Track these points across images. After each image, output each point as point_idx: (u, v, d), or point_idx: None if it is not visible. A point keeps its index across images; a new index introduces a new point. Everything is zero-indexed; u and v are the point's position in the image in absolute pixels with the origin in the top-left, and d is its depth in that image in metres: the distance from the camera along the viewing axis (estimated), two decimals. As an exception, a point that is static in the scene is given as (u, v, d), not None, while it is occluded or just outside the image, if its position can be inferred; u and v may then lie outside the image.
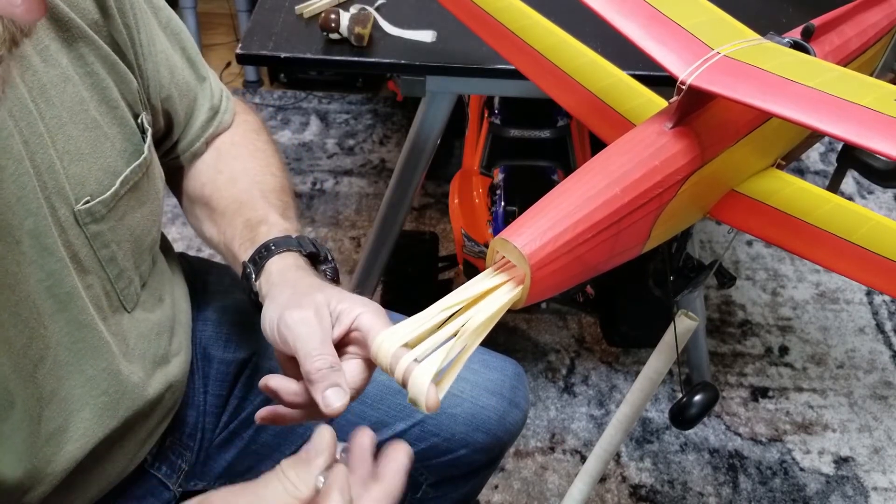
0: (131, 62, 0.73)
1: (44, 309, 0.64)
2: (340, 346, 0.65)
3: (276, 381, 0.65)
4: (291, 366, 0.66)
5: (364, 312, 0.64)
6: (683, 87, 0.57)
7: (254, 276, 0.73)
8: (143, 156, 0.73)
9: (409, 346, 0.55)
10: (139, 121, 0.73)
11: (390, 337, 0.56)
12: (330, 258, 0.77)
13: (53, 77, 0.65)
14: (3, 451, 0.62)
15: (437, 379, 0.55)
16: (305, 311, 0.64)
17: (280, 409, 0.67)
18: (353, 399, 0.63)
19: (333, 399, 0.60)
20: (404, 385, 0.55)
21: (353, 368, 0.64)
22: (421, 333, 0.55)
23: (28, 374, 0.63)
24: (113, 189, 0.69)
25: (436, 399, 0.54)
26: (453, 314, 0.55)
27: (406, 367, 0.54)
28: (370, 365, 0.64)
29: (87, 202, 0.67)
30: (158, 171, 0.78)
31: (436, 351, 0.54)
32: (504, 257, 0.54)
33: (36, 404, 0.64)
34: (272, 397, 0.66)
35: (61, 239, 0.65)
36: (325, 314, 0.64)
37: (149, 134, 0.74)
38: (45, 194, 0.64)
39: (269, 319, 0.67)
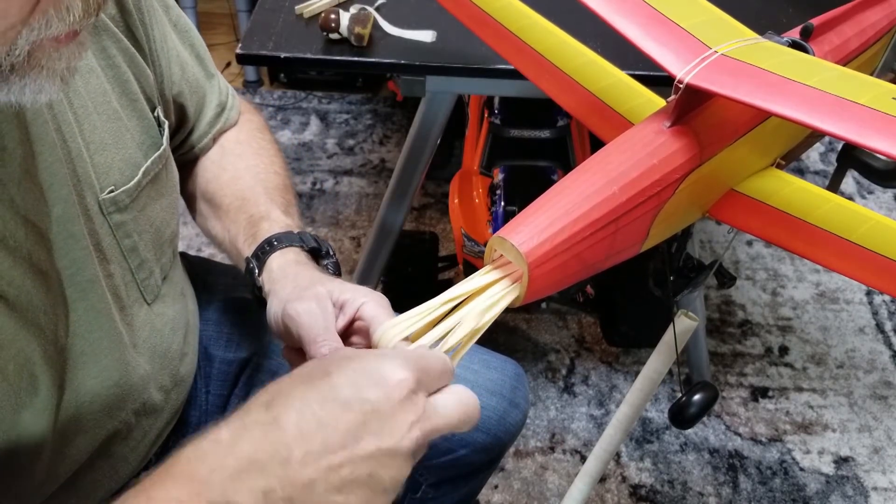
0: (147, 56, 0.74)
1: (67, 296, 0.64)
2: (345, 336, 0.65)
3: None
4: (300, 361, 0.66)
5: (367, 302, 0.64)
6: (681, 85, 0.57)
7: (257, 271, 0.74)
8: (163, 147, 0.74)
9: (411, 339, 0.56)
10: (155, 114, 0.74)
11: (392, 328, 0.57)
12: (332, 253, 0.78)
13: (79, 67, 0.65)
14: (24, 438, 0.62)
15: None
16: (308, 302, 0.65)
17: None
18: None
19: None
20: None
21: None
22: (422, 326, 0.55)
23: (54, 361, 0.63)
24: (136, 179, 0.70)
25: None
26: (455, 307, 0.55)
27: None
28: None
29: (112, 191, 0.68)
30: (174, 165, 0.79)
31: (436, 345, 0.54)
32: (502, 255, 0.54)
33: (56, 393, 0.64)
34: None
35: (87, 227, 0.66)
36: (327, 304, 0.65)
37: (165, 127, 0.75)
38: (74, 182, 0.64)
39: (274, 314, 0.68)
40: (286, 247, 0.74)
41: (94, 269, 0.66)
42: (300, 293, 0.67)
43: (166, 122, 0.76)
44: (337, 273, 0.77)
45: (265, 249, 0.74)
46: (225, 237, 0.82)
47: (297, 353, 0.66)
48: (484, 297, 0.55)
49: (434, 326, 0.55)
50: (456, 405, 0.50)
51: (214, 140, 0.88)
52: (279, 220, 0.79)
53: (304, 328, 0.63)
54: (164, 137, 0.75)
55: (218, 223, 0.83)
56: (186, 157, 0.87)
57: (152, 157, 0.72)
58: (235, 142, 0.89)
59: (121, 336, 0.70)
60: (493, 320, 0.55)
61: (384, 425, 0.47)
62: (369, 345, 0.62)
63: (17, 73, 0.47)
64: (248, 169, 0.86)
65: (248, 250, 0.76)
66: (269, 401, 0.48)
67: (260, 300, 0.74)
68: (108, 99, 0.69)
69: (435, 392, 0.50)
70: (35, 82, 0.48)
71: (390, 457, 0.47)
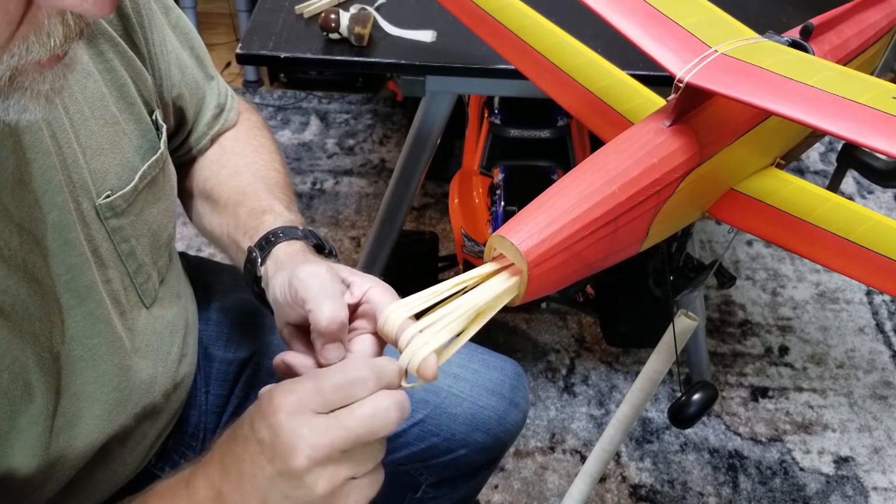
0: (146, 60, 0.74)
1: (63, 303, 0.64)
2: (351, 321, 0.64)
3: (291, 357, 0.64)
4: (300, 341, 0.65)
5: (374, 286, 0.64)
6: (681, 84, 0.57)
7: (259, 260, 0.73)
8: (160, 151, 0.74)
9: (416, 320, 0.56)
10: (153, 117, 0.74)
11: (398, 309, 0.58)
12: (334, 252, 0.77)
13: (76, 72, 0.65)
14: (20, 445, 0.62)
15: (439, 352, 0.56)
16: (319, 266, 0.65)
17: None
18: None
19: (332, 355, 0.61)
20: None
21: (364, 343, 0.64)
22: (427, 309, 0.56)
23: (48, 368, 0.63)
24: (133, 184, 0.70)
25: (434, 369, 0.55)
26: (459, 292, 0.56)
27: (410, 338, 0.56)
28: (380, 342, 0.64)
29: (109, 196, 0.68)
30: (172, 168, 0.78)
31: (440, 325, 0.55)
32: (501, 254, 0.54)
33: (53, 398, 0.64)
34: (284, 374, 0.65)
35: (83, 233, 0.66)
36: (336, 276, 0.64)
37: (163, 130, 0.75)
38: (70, 188, 0.64)
39: (280, 282, 0.67)
40: (291, 239, 0.74)
41: (92, 274, 0.66)
42: (310, 261, 0.68)
43: (164, 126, 0.75)
44: None
45: (269, 240, 0.74)
46: (223, 231, 0.81)
47: (297, 331, 0.65)
48: (485, 288, 0.55)
49: (441, 308, 0.56)
50: (363, 414, 0.53)
51: (213, 141, 0.88)
52: (283, 214, 0.78)
53: (312, 291, 0.62)
54: (162, 141, 0.74)
55: (216, 217, 0.83)
56: (184, 159, 0.87)
57: (150, 161, 0.72)
58: (234, 139, 0.89)
59: (121, 341, 0.70)
60: (489, 319, 0.55)
61: (275, 450, 0.52)
62: (374, 329, 0.62)
63: (1, 94, 0.47)
64: (248, 165, 0.85)
65: (249, 242, 0.76)
66: (219, 442, 0.57)
67: (257, 294, 0.74)
68: (105, 103, 0.68)
69: (348, 405, 0.53)
70: (19, 103, 0.48)
71: (290, 478, 0.51)
